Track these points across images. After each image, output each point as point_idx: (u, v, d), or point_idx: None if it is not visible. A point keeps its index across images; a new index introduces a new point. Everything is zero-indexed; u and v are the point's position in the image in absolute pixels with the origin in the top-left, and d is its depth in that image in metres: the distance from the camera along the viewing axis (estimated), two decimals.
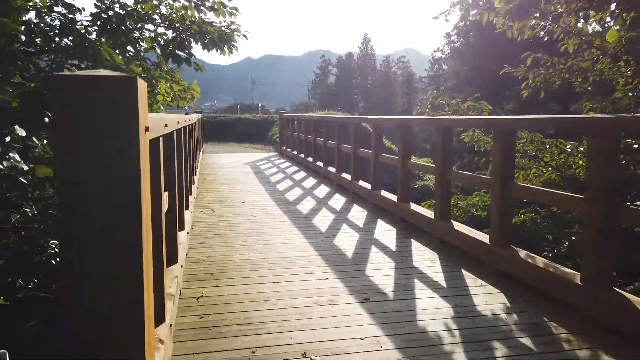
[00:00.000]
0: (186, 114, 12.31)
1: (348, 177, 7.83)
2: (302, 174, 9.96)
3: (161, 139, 2.28)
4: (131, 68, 3.63)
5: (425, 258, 4.16)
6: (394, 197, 5.90)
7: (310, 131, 10.90)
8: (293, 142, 13.17)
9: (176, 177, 3.37)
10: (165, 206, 3.00)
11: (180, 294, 3.20)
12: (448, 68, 48.15)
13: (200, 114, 14.18)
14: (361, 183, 7.21)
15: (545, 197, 3.56)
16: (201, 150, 13.65)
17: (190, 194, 5.92)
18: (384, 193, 6.27)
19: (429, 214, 5.01)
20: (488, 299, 3.21)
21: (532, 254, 3.54)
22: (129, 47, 4.48)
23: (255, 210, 6.20)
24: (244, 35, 5.36)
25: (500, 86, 20.92)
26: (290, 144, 13.61)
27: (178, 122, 3.90)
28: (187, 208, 5.02)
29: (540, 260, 3.38)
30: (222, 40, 5.02)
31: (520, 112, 19.51)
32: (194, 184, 6.96)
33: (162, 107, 5.02)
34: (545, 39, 6.59)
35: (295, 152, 12.53)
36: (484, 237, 4.02)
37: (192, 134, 7.65)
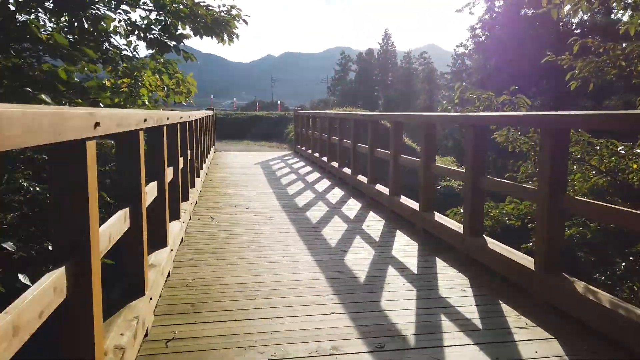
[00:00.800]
0: (199, 110, 11.81)
1: (364, 180, 7.12)
2: (316, 175, 9.28)
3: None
4: (55, 37, 2.84)
5: (454, 284, 3.43)
6: (415, 205, 5.17)
7: (325, 129, 10.21)
8: (308, 140, 12.50)
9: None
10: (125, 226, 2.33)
11: (146, 334, 2.56)
12: (471, 63, 46.89)
13: (212, 112, 13.64)
14: (379, 187, 6.49)
15: (616, 217, 2.77)
16: (212, 149, 13.09)
17: (186, 200, 5.31)
18: (403, 200, 5.55)
19: (457, 227, 4.27)
20: (539, 348, 2.48)
21: (593, 288, 2.78)
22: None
23: (259, 218, 5.55)
24: (244, 21, 4.68)
25: (528, 82, 19.84)
26: (305, 142, 12.94)
27: (156, 119, 3.29)
28: (177, 218, 4.40)
29: (606, 299, 2.62)
30: (217, 25, 4.35)
31: (550, 109, 18.43)
32: (193, 187, 6.34)
33: (148, 103, 4.38)
34: (587, 28, 5.73)
35: (309, 152, 11.85)
36: (527, 261, 3.27)
37: (195, 131, 7.04)
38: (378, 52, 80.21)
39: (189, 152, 5.62)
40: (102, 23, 3.69)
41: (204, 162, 9.14)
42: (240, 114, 25.11)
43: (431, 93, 61.04)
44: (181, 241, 4.37)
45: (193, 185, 6.34)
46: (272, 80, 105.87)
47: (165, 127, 3.69)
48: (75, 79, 3.19)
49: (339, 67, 77.21)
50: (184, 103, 5.75)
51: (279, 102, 56.19)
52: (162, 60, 5.42)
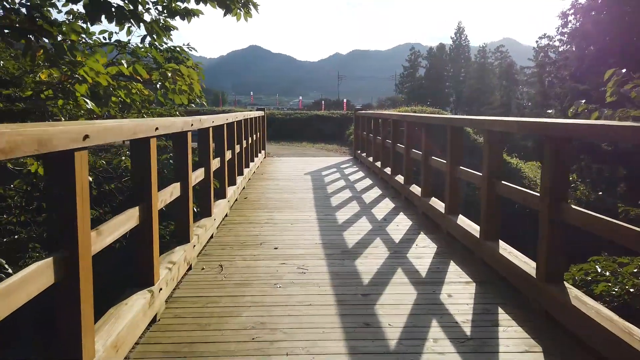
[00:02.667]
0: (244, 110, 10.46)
1: (440, 206, 5.21)
2: (376, 192, 7.44)
3: None
4: None
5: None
6: (529, 265, 3.21)
7: (389, 134, 8.35)
8: (368, 146, 10.66)
9: None
10: None
11: None
12: (560, 55, 42.49)
13: (262, 112, 12.19)
14: (462, 221, 4.57)
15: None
16: (262, 155, 11.62)
17: (186, 242, 3.72)
18: (504, 251, 3.58)
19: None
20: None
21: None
22: None
23: (287, 268, 3.85)
24: None
25: None
26: (365, 148, 11.11)
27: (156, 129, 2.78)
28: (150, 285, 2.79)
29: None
30: None
31: None
32: (209, 215, 4.76)
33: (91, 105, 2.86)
34: None
35: (370, 159, 10.01)
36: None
37: (224, 138, 5.52)
38: (450, 47, 76.23)
39: (192, 175, 4.02)
40: None
41: (243, 174, 7.62)
42: (300, 113, 23.63)
43: (508, 89, 56.53)
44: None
45: (209, 214, 4.77)
46: (338, 78, 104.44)
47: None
48: None
49: (408, 63, 74.14)
50: (193, 104, 4.18)
51: (344, 100, 54.50)
52: (162, 44, 3.88)
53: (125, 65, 3.29)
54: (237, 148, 7.18)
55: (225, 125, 5.86)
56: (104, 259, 2.80)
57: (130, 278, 2.87)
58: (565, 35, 26.01)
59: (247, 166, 8.57)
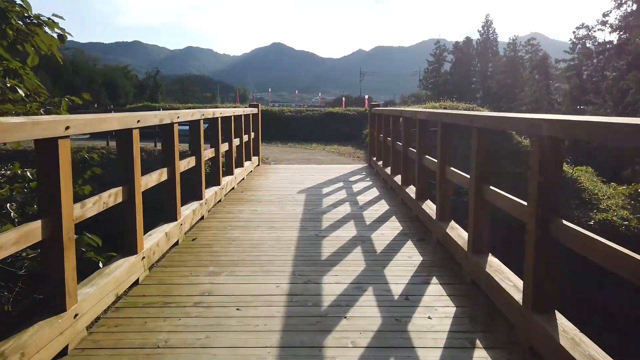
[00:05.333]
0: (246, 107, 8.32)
1: (502, 270, 2.81)
2: (394, 226, 5.01)
3: None
4: None
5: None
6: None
7: (411, 139, 5.94)
8: (385, 152, 8.23)
9: None
10: None
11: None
12: (598, 47, 39.25)
13: (256, 109, 9.90)
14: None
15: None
16: (251, 162, 9.29)
17: None
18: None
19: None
20: None
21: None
22: None
23: None
24: None
25: None
26: (382, 154, 8.68)
27: None
28: None
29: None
30: None
31: None
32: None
33: None
34: None
35: (387, 171, 7.58)
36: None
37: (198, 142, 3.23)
38: (477, 41, 72.75)
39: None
40: None
41: (201, 199, 5.32)
42: (312, 110, 21.20)
43: (541, 84, 52.87)
44: None
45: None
46: (360, 75, 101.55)
47: None
48: None
49: (433, 58, 71.01)
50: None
51: (365, 97, 51.77)
52: None
53: None
54: (186, 163, 4.87)
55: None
56: None
57: None
58: (616, 20, 22.88)
59: (217, 183, 6.26)
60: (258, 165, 9.98)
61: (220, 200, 6.21)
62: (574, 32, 45.57)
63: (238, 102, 38.34)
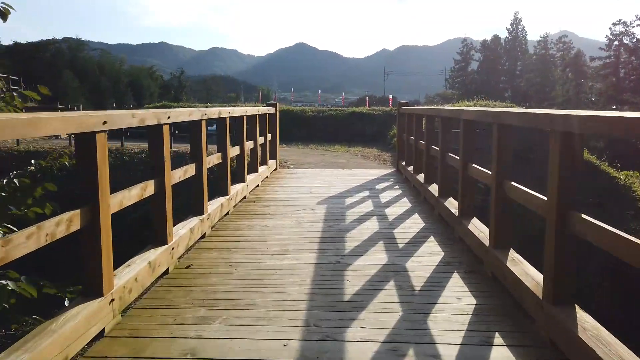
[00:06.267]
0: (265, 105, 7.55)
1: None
2: (432, 248, 4.12)
3: None
4: None
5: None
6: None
7: (449, 142, 5.02)
8: (417, 156, 7.30)
9: None
10: None
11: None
12: (636, 43, 37.28)
13: (274, 108, 9.12)
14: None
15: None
16: (268, 166, 8.49)
17: None
18: None
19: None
20: None
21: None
22: None
23: None
24: None
25: None
26: (412, 159, 7.74)
27: None
28: None
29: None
30: None
31: None
32: None
33: None
34: None
35: (420, 179, 6.65)
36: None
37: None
38: (505, 39, 70.62)
39: None
40: None
41: (202, 214, 4.53)
42: (335, 110, 20.29)
43: (575, 83, 50.69)
44: None
45: None
46: (384, 74, 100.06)
47: None
48: None
49: (460, 56, 69.24)
50: None
51: (390, 96, 50.56)
52: None
53: None
54: (182, 172, 4.07)
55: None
56: None
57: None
58: None
59: (225, 193, 5.46)
60: (275, 169, 9.17)
61: (228, 213, 5.41)
62: (610, 28, 43.50)
63: (260, 102, 37.76)
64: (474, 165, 4.21)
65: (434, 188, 5.82)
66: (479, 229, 3.97)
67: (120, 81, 55.98)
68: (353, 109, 20.85)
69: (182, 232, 3.91)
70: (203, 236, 4.44)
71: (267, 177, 8.21)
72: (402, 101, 10.75)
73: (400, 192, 6.94)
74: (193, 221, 4.23)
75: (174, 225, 3.82)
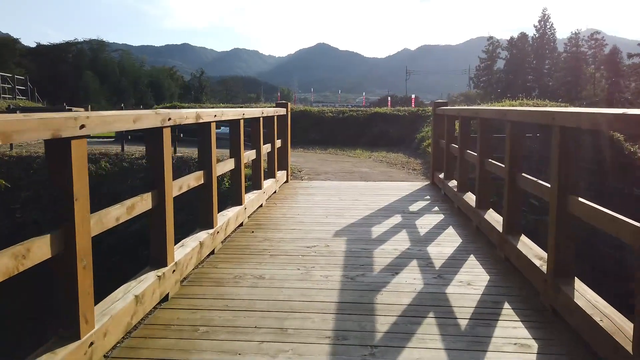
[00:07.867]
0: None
1: None
2: (511, 322, 2.61)
3: None
4: None
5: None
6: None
7: (519, 154, 3.53)
8: (462, 169, 5.74)
9: None
10: None
11: None
12: None
13: (284, 109, 7.70)
14: None
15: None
16: (277, 179, 7.04)
17: None
18: None
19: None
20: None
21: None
22: None
23: None
24: None
25: None
26: (454, 171, 6.19)
27: None
28: None
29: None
30: None
31: None
32: None
33: None
34: None
35: (468, 200, 5.09)
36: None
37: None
38: (532, 37, 67.94)
39: None
40: None
41: (188, 246, 3.11)
42: (357, 111, 18.73)
43: (610, 81, 47.94)
44: None
45: None
46: (406, 74, 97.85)
47: None
48: None
49: (485, 54, 66.90)
50: None
51: (412, 96, 48.65)
52: None
53: None
54: (125, 207, 2.65)
55: None
56: None
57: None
58: None
59: (208, 226, 4.01)
60: (286, 181, 7.72)
61: (213, 252, 3.98)
62: None
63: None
64: (578, 198, 2.68)
65: (492, 217, 4.28)
66: (587, 293, 2.43)
67: (141, 82, 55.64)
68: (376, 109, 19.28)
69: (116, 309, 2.47)
70: (166, 298, 3.01)
71: (275, 192, 6.76)
72: (439, 100, 9.18)
73: (442, 216, 5.39)
74: (140, 286, 2.77)
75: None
